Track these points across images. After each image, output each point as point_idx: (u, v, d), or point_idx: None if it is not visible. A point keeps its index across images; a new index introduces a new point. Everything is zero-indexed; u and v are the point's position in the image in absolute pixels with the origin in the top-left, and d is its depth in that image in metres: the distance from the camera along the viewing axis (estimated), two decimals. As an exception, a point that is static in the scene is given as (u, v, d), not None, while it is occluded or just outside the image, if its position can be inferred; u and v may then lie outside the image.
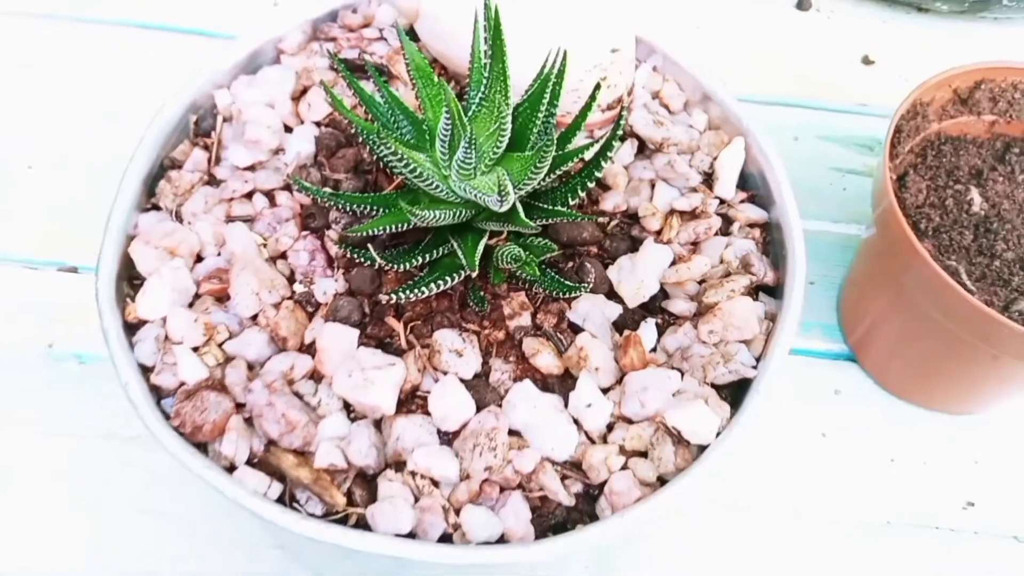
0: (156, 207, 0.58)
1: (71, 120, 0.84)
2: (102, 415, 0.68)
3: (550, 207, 0.53)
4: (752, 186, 0.61)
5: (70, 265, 0.75)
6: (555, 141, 0.48)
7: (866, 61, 0.94)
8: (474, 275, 0.52)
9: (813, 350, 0.76)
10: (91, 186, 0.79)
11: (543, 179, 0.51)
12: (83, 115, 0.85)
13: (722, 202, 0.60)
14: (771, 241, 0.58)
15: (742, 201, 0.60)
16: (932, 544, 0.67)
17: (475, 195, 0.48)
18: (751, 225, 0.59)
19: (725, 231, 0.58)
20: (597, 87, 0.50)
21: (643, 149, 0.62)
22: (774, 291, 0.57)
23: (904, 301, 0.66)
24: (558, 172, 0.52)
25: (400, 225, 0.51)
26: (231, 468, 0.48)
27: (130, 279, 0.55)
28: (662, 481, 0.49)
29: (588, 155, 0.52)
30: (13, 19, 0.91)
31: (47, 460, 0.66)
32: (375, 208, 0.53)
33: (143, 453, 0.66)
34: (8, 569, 0.62)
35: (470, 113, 0.51)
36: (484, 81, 0.51)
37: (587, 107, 0.51)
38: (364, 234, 0.51)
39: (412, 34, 0.64)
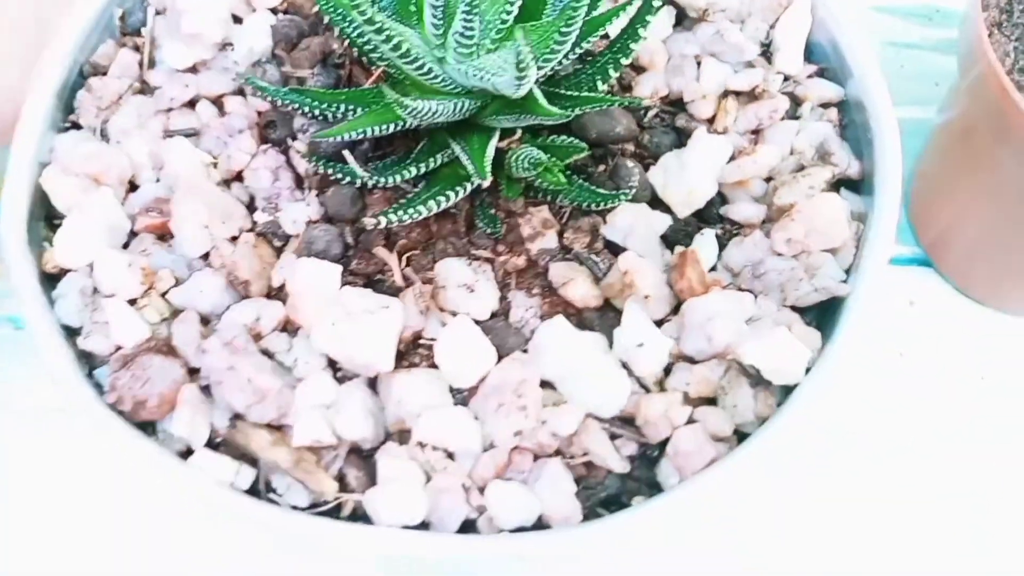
0: (76, 125, 0.51)
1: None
2: (47, 386, 0.59)
3: (575, 93, 0.45)
4: (820, 58, 0.53)
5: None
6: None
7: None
8: (484, 186, 0.45)
9: (880, 255, 0.68)
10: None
11: (563, 58, 0.43)
12: None
13: (787, 78, 0.53)
14: (849, 124, 0.51)
15: (810, 76, 0.53)
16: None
17: (481, 78, 0.40)
18: (824, 105, 0.52)
19: (793, 114, 0.52)
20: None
21: (682, 19, 0.54)
22: (858, 185, 0.50)
23: (998, 186, 0.58)
24: (579, 51, 0.46)
25: (385, 126, 0.44)
26: (187, 452, 0.42)
27: (49, 219, 0.49)
28: (740, 434, 0.43)
29: (613, 28, 0.46)
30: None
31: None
32: (352, 107, 0.47)
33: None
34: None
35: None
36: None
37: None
38: (340, 139, 0.45)
39: None
